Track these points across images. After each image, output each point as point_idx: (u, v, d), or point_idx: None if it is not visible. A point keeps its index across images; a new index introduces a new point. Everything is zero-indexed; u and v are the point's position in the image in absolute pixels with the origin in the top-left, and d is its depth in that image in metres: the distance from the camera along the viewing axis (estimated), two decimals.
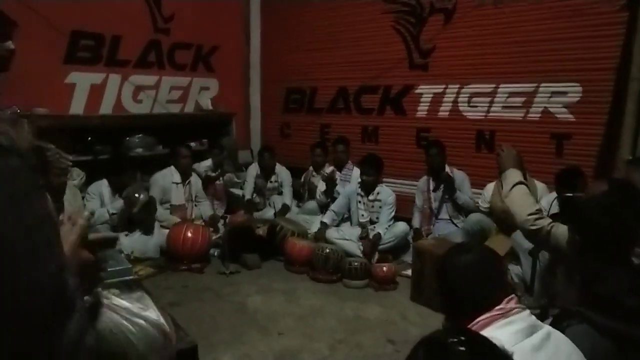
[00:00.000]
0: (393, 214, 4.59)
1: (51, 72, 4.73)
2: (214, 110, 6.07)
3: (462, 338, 0.89)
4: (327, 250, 4.13)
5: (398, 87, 5.14)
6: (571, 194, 2.97)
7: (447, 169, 4.49)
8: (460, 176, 4.49)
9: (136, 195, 4.32)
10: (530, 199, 2.06)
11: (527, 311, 1.31)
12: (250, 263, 4.31)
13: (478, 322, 1.25)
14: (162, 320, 1.48)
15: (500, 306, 1.26)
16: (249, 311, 3.40)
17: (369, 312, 3.40)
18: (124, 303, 1.79)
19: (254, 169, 5.59)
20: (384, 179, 4.78)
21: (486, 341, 0.93)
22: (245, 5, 6.38)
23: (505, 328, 1.23)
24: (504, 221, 3.97)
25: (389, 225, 4.54)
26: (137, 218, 4.36)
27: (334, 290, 3.81)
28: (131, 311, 1.73)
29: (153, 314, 1.73)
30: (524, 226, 2.05)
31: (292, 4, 6.04)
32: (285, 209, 5.32)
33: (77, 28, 4.88)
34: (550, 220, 1.98)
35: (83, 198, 4.44)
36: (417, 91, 5.01)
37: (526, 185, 2.13)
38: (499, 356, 0.89)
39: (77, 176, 4.55)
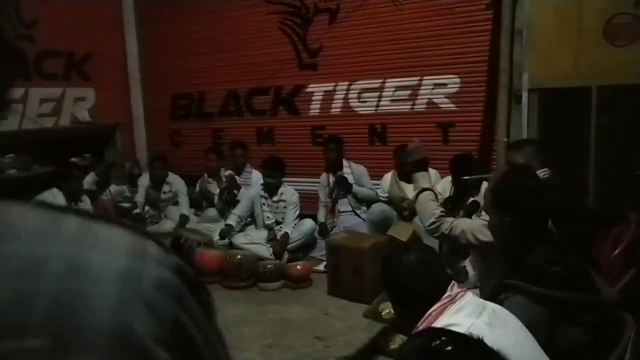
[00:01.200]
0: (298, 212, 4.65)
1: None
2: (93, 122, 5.63)
3: (443, 338, 0.93)
4: (239, 256, 4.06)
5: (289, 87, 5.19)
6: (467, 177, 3.26)
7: (345, 163, 4.65)
8: (359, 170, 4.66)
9: None
10: (432, 205, 2.23)
11: (470, 292, 1.43)
12: None
13: (431, 313, 1.33)
14: None
15: (447, 294, 1.36)
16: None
17: (291, 313, 3.41)
18: None
19: (144, 180, 5.29)
20: (284, 179, 4.81)
21: (459, 334, 1.00)
22: (118, 9, 5.99)
23: (459, 313, 1.32)
24: (404, 209, 4.23)
25: (295, 224, 4.59)
26: None
27: (251, 296, 3.76)
28: None
29: None
30: (428, 233, 2.27)
31: (170, 6, 5.80)
32: (184, 219, 5.12)
33: None
34: (451, 221, 2.16)
35: None
36: (309, 90, 5.10)
37: (431, 190, 2.30)
38: (475, 344, 0.95)
39: None
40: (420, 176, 2.34)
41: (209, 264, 4.10)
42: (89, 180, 4.99)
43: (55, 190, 4.45)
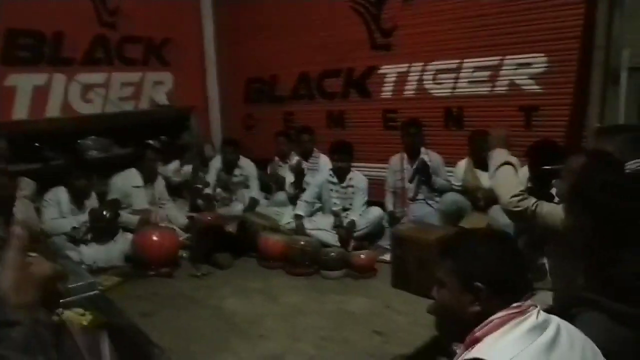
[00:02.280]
0: (366, 199, 4.49)
1: None
2: (171, 105, 5.79)
3: None
4: (303, 243, 4.00)
5: (361, 69, 5.00)
6: (549, 167, 2.92)
7: (423, 150, 4.40)
8: (436, 160, 4.41)
9: (104, 213, 4.08)
10: (515, 180, 1.99)
11: (538, 307, 1.20)
12: (222, 262, 4.13)
13: (493, 320, 1.13)
14: None
15: (519, 304, 1.14)
16: (226, 315, 3.22)
17: (351, 304, 3.28)
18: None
19: (216, 163, 5.37)
20: (353, 164, 4.65)
21: None
22: None
23: (517, 328, 1.11)
24: (479, 199, 3.94)
25: (363, 211, 4.44)
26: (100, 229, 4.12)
27: (312, 284, 3.68)
28: None
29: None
30: (508, 207, 2.00)
31: None
32: (254, 202, 5.14)
33: (12, 26, 4.52)
34: (535, 200, 1.91)
35: (37, 209, 4.13)
36: (381, 72, 4.88)
37: (512, 165, 2.05)
38: None
39: (26, 186, 4.23)
40: (497, 152, 2.11)
41: (273, 248, 4.07)
42: (171, 168, 5.15)
43: (133, 170, 4.62)
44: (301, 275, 3.84)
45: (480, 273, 1.20)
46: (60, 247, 3.77)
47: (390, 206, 4.57)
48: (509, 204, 1.97)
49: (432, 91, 4.59)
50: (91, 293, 2.57)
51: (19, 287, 0.64)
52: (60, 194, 4.15)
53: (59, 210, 4.09)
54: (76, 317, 2.15)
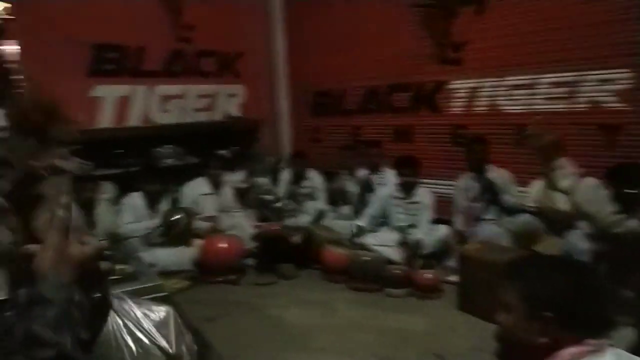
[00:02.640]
0: (432, 216, 4.39)
1: (77, 87, 4.73)
2: (242, 117, 5.98)
3: None
4: (366, 258, 3.96)
5: (430, 83, 4.92)
6: (634, 191, 2.72)
7: (490, 167, 4.25)
8: (503, 176, 4.23)
9: (176, 216, 4.27)
10: (602, 192, 1.83)
11: (617, 347, 1.10)
12: (286, 273, 4.19)
13: (561, 355, 1.05)
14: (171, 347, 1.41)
15: (594, 342, 1.06)
16: (285, 325, 3.25)
17: (412, 324, 3.21)
18: (137, 314, 1.66)
19: (285, 175, 5.47)
20: (420, 180, 4.56)
21: None
22: (268, 10, 6.28)
23: None
24: (556, 222, 3.72)
25: (429, 229, 4.33)
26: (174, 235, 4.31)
27: (374, 301, 3.63)
28: (142, 327, 1.62)
29: (162, 341, 1.63)
30: (606, 226, 1.84)
31: (315, 5, 5.90)
32: (320, 214, 5.16)
33: (100, 41, 4.87)
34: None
35: (116, 212, 4.40)
36: (451, 86, 4.78)
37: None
38: None
39: (108, 190, 4.51)
40: (562, 161, 1.97)
41: (337, 262, 4.07)
42: (237, 178, 5.31)
43: (201, 179, 4.82)
44: (363, 291, 3.80)
45: (550, 302, 1.13)
46: (134, 249, 3.97)
47: (458, 225, 4.43)
48: (611, 223, 1.81)
49: (504, 107, 4.42)
50: (158, 295, 2.69)
51: (57, 267, 0.67)
52: (136, 199, 4.39)
53: (135, 214, 4.33)
54: None
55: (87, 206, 3.99)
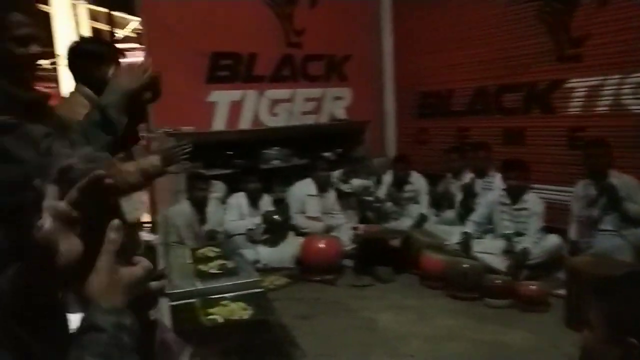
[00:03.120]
0: (542, 224, 4.09)
1: (195, 92, 5.13)
2: (347, 120, 6.06)
3: None
4: (466, 265, 3.81)
5: (545, 82, 4.59)
6: None
7: (612, 173, 3.85)
8: (629, 182, 3.80)
9: (274, 217, 4.48)
10: None
11: None
12: (383, 276, 4.17)
13: None
14: None
15: None
16: (378, 328, 3.25)
17: (512, 337, 3.02)
18: None
19: (388, 178, 5.44)
20: (530, 186, 4.27)
21: None
22: (376, 12, 6.29)
23: None
24: None
25: (538, 238, 4.05)
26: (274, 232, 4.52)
27: (472, 310, 3.48)
28: None
29: None
30: None
31: (422, 5, 5.79)
32: (423, 219, 5.06)
33: (216, 49, 5.23)
34: None
35: (224, 210, 4.70)
36: (569, 85, 4.41)
37: None
38: None
39: (219, 189, 4.84)
40: None
41: (435, 268, 3.98)
42: (335, 174, 5.40)
43: (309, 180, 4.98)
44: (461, 299, 3.67)
45: (637, 328, 1.02)
46: (237, 246, 4.21)
47: (573, 235, 4.08)
48: None
49: (631, 107, 3.99)
50: (255, 290, 2.82)
51: (107, 292, 0.65)
52: (240, 198, 4.66)
53: (239, 213, 4.60)
54: (239, 310, 2.40)
55: (200, 204, 4.33)
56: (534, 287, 3.51)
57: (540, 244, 3.99)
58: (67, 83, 5.00)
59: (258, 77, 5.55)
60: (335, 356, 2.86)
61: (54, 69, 7.37)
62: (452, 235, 4.49)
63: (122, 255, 0.69)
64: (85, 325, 0.64)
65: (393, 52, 6.34)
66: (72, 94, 2.08)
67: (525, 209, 4.14)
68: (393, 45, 6.32)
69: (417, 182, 5.31)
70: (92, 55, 2.04)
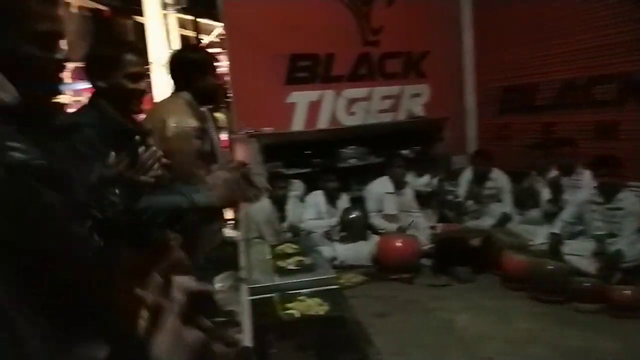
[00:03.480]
0: (637, 225, 3.80)
1: (275, 94, 5.29)
2: (425, 117, 5.96)
3: None
4: (551, 267, 3.64)
5: None
6: None
7: None
8: None
9: (351, 215, 4.53)
10: None
11: None
12: (462, 276, 4.09)
13: None
14: None
15: None
16: (455, 329, 3.19)
17: (601, 345, 2.85)
18: None
19: (468, 175, 5.29)
20: (626, 184, 3.98)
21: None
22: (455, 6, 6.13)
23: None
24: None
25: (633, 240, 3.77)
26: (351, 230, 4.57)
27: (556, 314, 3.33)
28: None
29: None
30: None
31: None
32: (505, 218, 4.88)
33: (295, 51, 5.36)
34: None
35: (302, 208, 4.82)
36: None
37: None
38: None
39: (297, 188, 4.97)
40: None
41: (517, 269, 3.85)
42: (422, 181, 5.34)
43: (385, 178, 4.97)
44: (545, 302, 3.52)
45: None
46: (314, 243, 4.31)
47: None
48: None
49: None
50: (331, 287, 2.88)
51: (171, 352, 0.64)
52: (318, 197, 4.76)
53: (317, 211, 4.69)
54: (315, 305, 2.47)
55: (280, 202, 4.48)
56: (628, 291, 3.29)
57: (635, 245, 3.71)
58: (158, 88, 5.35)
59: (336, 76, 5.62)
60: (410, 355, 2.85)
61: (147, 75, 7.91)
62: (537, 236, 4.30)
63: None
64: None
65: (473, 47, 6.14)
66: (172, 98, 2.25)
67: (619, 208, 3.87)
68: (473, 39, 6.12)
69: (499, 179, 5.12)
70: (192, 63, 2.22)
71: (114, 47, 1.72)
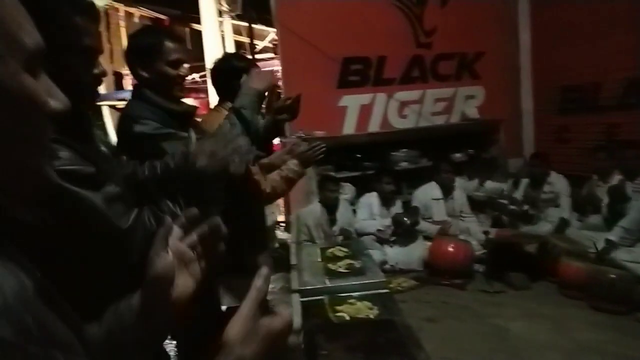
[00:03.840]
0: None
1: (327, 98, 5.34)
2: (479, 119, 5.84)
3: None
4: (613, 275, 3.49)
5: None
6: None
7: None
8: None
9: (404, 219, 4.52)
10: None
11: None
12: (517, 283, 3.98)
13: None
14: None
15: None
16: (509, 337, 3.11)
17: None
18: None
19: (525, 179, 5.14)
20: None
21: None
22: (511, 5, 5.97)
23: None
24: None
25: None
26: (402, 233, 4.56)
27: (618, 324, 3.18)
28: None
29: None
30: None
31: None
32: (564, 224, 4.71)
33: (347, 54, 5.40)
34: None
35: (354, 211, 4.84)
36: None
37: None
38: None
39: (348, 191, 5.00)
40: None
41: (575, 276, 3.70)
42: (471, 185, 5.24)
43: (433, 183, 4.92)
44: (606, 312, 3.36)
45: None
46: (365, 247, 4.31)
47: None
48: None
49: None
50: (381, 291, 2.89)
51: (245, 340, 0.60)
52: (371, 199, 4.77)
53: (370, 213, 4.70)
54: (365, 309, 2.49)
55: (330, 205, 4.52)
56: None
57: None
58: (214, 94, 5.53)
59: (387, 79, 5.61)
60: None
61: (204, 82, 8.20)
62: (598, 243, 4.13)
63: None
64: None
65: (530, 46, 5.96)
66: (215, 108, 2.28)
67: None
68: (530, 39, 5.94)
69: (558, 183, 4.95)
70: (233, 71, 2.13)
71: (153, 36, 1.73)
